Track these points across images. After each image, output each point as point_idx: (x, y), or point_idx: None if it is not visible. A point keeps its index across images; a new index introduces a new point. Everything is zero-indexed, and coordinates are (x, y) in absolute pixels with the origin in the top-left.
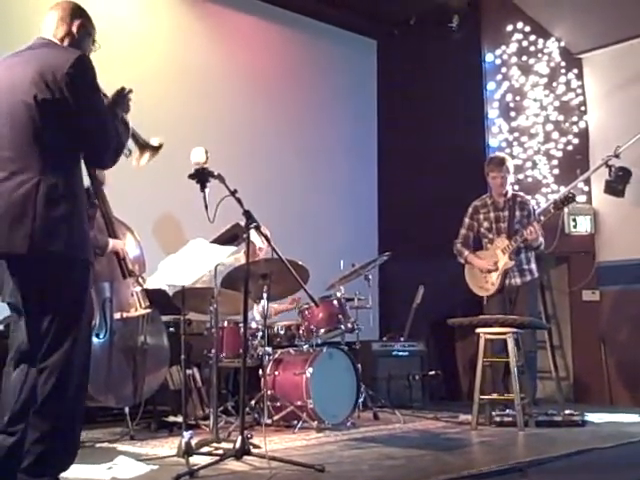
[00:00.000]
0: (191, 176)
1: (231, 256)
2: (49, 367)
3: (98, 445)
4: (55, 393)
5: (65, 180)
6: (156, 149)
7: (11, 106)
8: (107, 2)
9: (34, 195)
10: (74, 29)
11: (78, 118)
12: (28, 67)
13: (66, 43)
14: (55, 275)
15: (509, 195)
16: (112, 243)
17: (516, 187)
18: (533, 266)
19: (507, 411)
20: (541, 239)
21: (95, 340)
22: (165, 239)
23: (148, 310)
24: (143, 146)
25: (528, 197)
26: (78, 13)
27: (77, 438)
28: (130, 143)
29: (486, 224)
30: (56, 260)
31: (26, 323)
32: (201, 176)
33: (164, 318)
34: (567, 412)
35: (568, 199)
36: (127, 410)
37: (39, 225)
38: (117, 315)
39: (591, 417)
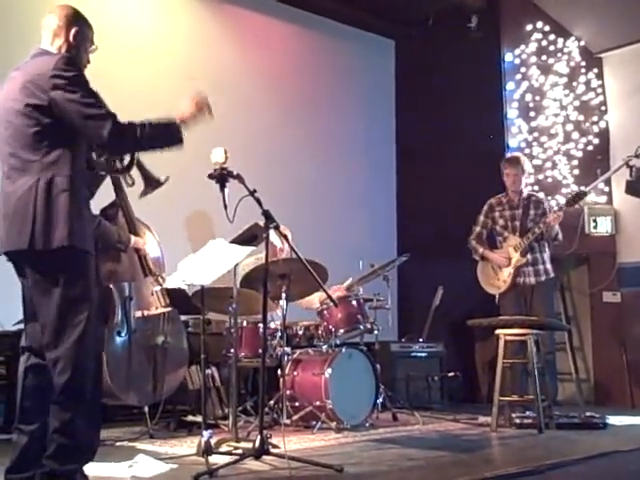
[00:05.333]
0: (210, 176)
1: (251, 256)
2: (62, 358)
3: (118, 444)
4: (71, 384)
5: (64, 176)
6: (160, 184)
7: (9, 114)
8: (123, 2)
9: (34, 194)
10: (70, 38)
11: (67, 115)
12: (20, 77)
13: (63, 50)
14: (56, 267)
15: (524, 194)
16: (134, 239)
17: (536, 187)
18: (548, 266)
19: (527, 413)
20: (557, 228)
21: (117, 338)
22: (186, 239)
23: (168, 309)
24: (148, 178)
25: (543, 197)
26: (74, 20)
27: (98, 428)
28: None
29: (501, 222)
30: (56, 253)
31: (33, 316)
32: (220, 176)
33: (183, 318)
34: (588, 414)
35: (580, 195)
36: (146, 409)
37: (39, 221)
38: (138, 313)
39: (612, 420)
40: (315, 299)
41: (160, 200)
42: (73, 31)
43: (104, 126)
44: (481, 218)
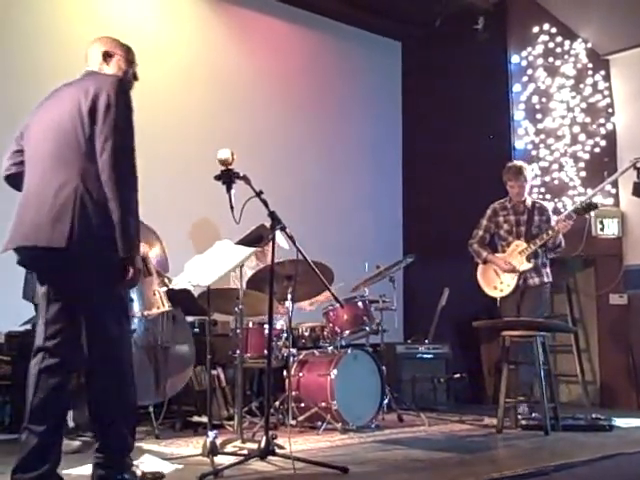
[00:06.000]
0: (217, 177)
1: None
2: (97, 367)
3: None
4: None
5: (98, 183)
6: None
7: (62, 116)
8: (130, 4)
9: (73, 198)
10: (114, 65)
11: (101, 133)
12: (74, 89)
13: (113, 72)
14: (88, 271)
15: (529, 201)
16: None
17: (542, 190)
18: (548, 270)
19: (533, 415)
20: (561, 236)
21: None
22: (192, 241)
23: (168, 308)
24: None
25: (546, 204)
26: (117, 47)
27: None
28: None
29: (506, 226)
30: (89, 258)
31: (54, 318)
32: (227, 177)
33: (189, 319)
34: (594, 416)
35: (591, 206)
36: (151, 409)
37: (77, 224)
38: (138, 313)
39: (618, 422)
40: (306, 301)
41: (166, 201)
42: (116, 58)
43: (109, 152)
44: (484, 222)
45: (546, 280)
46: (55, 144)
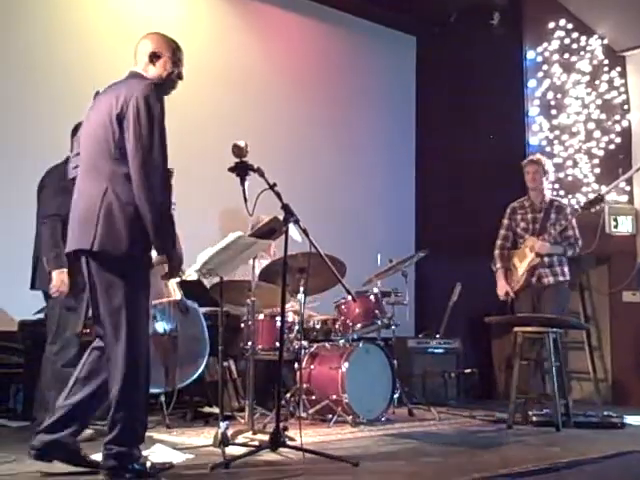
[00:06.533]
0: (231, 169)
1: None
2: (111, 358)
3: None
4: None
5: (126, 186)
6: None
7: (97, 124)
8: (148, 1)
9: (100, 202)
10: (160, 66)
11: (130, 140)
12: (112, 93)
13: (153, 75)
14: (112, 271)
15: (547, 198)
16: None
17: (556, 186)
18: (565, 268)
19: (544, 411)
20: (572, 232)
21: None
22: (206, 232)
23: (177, 297)
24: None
25: (565, 203)
26: (165, 48)
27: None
28: None
29: (523, 224)
30: (114, 258)
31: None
32: (241, 169)
33: (202, 310)
34: (605, 414)
35: (597, 200)
36: (163, 399)
37: (100, 226)
38: None
39: (630, 419)
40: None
41: (182, 193)
42: (163, 59)
43: (139, 160)
44: (505, 221)
45: (561, 279)
46: (90, 151)
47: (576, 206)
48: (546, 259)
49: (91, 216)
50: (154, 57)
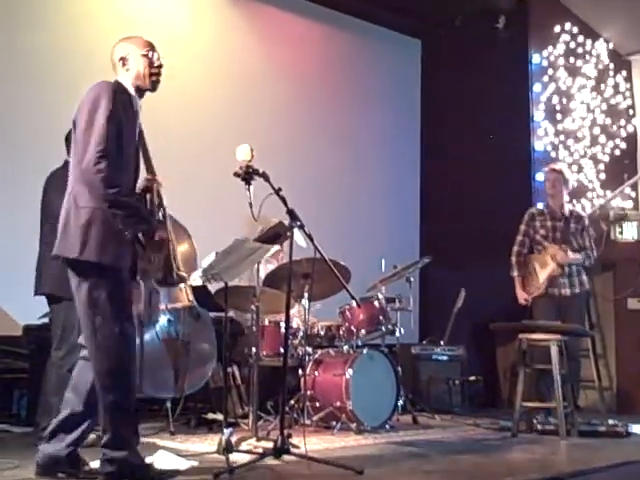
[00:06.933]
0: (236, 174)
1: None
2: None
3: None
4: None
5: (83, 189)
6: None
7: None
8: (153, 2)
9: (67, 207)
10: (132, 66)
11: (79, 141)
12: None
13: (131, 76)
14: (75, 276)
15: (566, 207)
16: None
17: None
18: (584, 277)
19: (549, 419)
20: (589, 243)
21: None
22: (210, 237)
23: (191, 303)
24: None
25: (584, 214)
26: (129, 47)
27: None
28: None
29: (542, 231)
30: (71, 263)
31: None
32: (246, 174)
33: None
34: (610, 422)
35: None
36: (168, 405)
37: (60, 233)
38: (162, 306)
39: (635, 428)
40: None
41: (186, 198)
42: (131, 58)
43: (87, 158)
44: (522, 227)
45: (578, 291)
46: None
47: (583, 213)
48: (566, 269)
49: (61, 221)
50: (124, 60)
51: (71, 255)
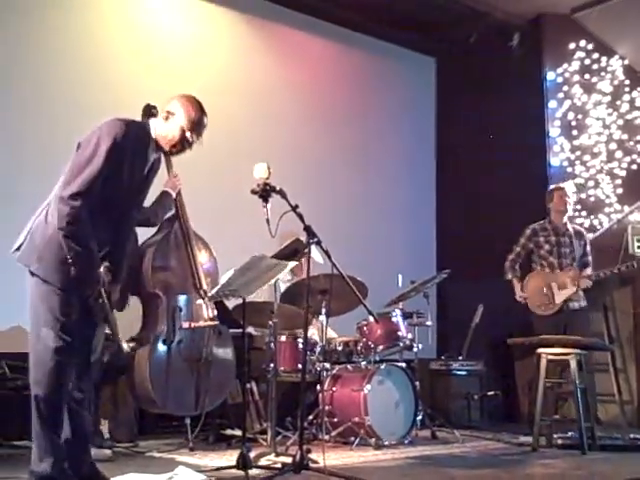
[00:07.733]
0: (253, 191)
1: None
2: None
3: (157, 455)
4: None
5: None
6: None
7: None
8: (169, 20)
9: (42, 219)
10: (170, 125)
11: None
12: None
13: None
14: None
15: (568, 225)
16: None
17: (578, 206)
18: (581, 292)
19: (569, 434)
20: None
21: (161, 347)
22: (227, 253)
23: (215, 322)
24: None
25: (583, 230)
26: (183, 112)
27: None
28: None
29: (547, 247)
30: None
31: None
32: (263, 191)
33: None
34: (632, 436)
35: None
36: (188, 421)
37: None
38: (185, 324)
39: None
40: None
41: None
42: (174, 120)
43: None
44: (522, 240)
45: (584, 304)
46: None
47: (599, 227)
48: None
49: (30, 228)
50: (168, 115)
51: (27, 265)
